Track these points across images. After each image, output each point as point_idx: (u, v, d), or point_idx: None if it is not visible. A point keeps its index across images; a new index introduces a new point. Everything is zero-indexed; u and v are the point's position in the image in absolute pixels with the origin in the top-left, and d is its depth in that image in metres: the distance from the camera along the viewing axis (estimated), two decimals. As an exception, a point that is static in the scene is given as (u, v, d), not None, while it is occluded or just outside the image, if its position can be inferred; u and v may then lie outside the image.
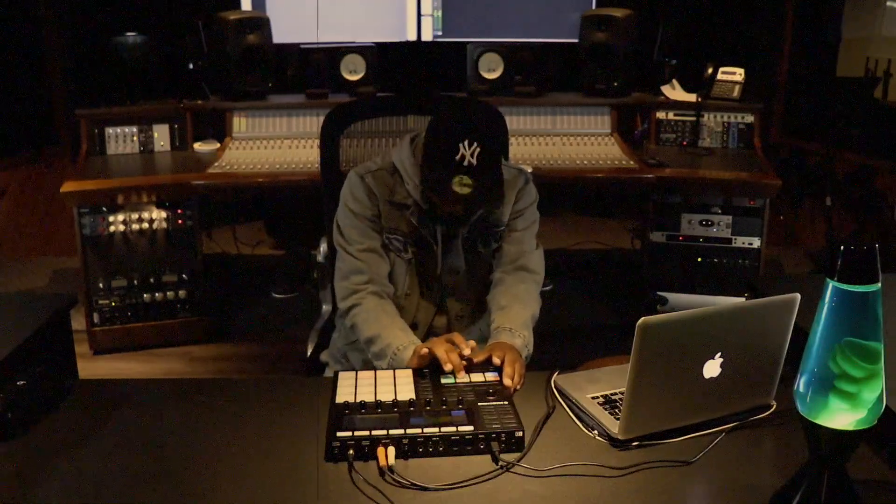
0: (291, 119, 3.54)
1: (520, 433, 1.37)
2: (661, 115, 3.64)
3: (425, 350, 1.59)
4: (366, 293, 1.81)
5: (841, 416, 1.09)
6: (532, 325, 1.81)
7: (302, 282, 3.89)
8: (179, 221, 3.21)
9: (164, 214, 3.18)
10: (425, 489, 1.26)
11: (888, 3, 3.87)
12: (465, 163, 1.63)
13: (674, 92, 3.66)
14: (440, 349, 1.57)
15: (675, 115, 3.62)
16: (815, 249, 4.21)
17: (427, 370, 1.59)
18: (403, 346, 1.68)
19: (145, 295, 3.24)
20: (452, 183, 1.64)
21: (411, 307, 1.91)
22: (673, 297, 3.36)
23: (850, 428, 1.10)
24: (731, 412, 1.45)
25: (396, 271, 1.89)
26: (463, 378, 1.55)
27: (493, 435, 1.36)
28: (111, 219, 3.13)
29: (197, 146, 3.52)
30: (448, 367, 1.55)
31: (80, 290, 3.18)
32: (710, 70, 3.60)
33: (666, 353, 1.32)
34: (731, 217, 3.26)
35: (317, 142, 2.15)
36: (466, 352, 1.59)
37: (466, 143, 1.63)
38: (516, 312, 1.79)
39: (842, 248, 1.07)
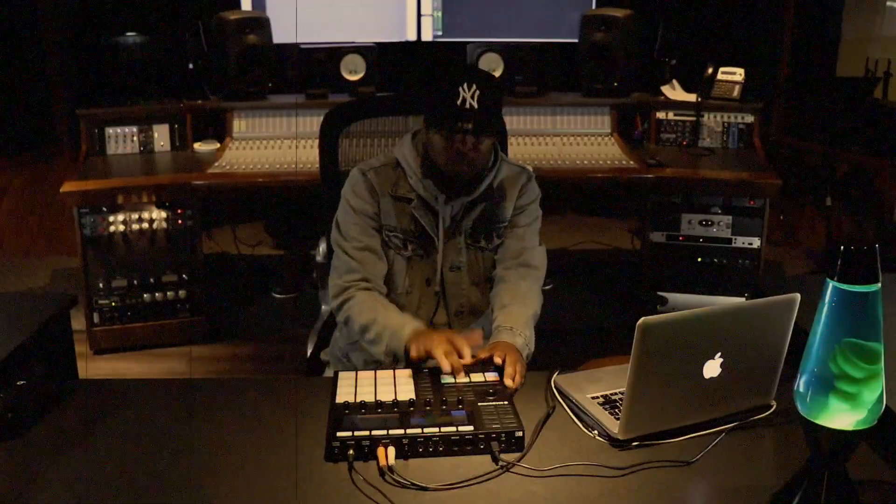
0: (291, 119, 3.53)
1: (520, 433, 1.37)
2: (661, 115, 3.64)
3: (424, 348, 1.59)
4: (356, 289, 1.81)
5: (841, 417, 1.09)
6: (533, 323, 1.81)
7: (302, 282, 3.89)
8: (179, 221, 3.21)
9: (164, 214, 3.18)
10: (425, 489, 1.26)
11: (888, 3, 3.87)
12: (467, 105, 1.66)
13: (674, 92, 3.66)
14: (439, 351, 1.57)
15: (675, 115, 3.62)
16: (815, 249, 4.21)
17: (427, 370, 1.59)
18: (401, 325, 1.67)
19: (145, 295, 3.24)
20: (456, 126, 1.67)
21: (411, 305, 1.90)
22: (673, 297, 3.36)
23: (850, 428, 1.10)
24: (731, 412, 1.45)
25: (395, 269, 1.89)
26: (463, 378, 1.55)
27: (493, 435, 1.36)
28: (111, 219, 3.13)
29: (197, 146, 3.52)
30: (447, 370, 1.55)
31: (80, 290, 3.18)
32: (710, 70, 3.60)
33: (666, 353, 1.32)
34: (731, 217, 3.26)
35: (317, 142, 2.15)
36: (467, 360, 1.59)
37: (465, 85, 1.66)
38: (517, 311, 1.79)
39: (842, 248, 1.07)
